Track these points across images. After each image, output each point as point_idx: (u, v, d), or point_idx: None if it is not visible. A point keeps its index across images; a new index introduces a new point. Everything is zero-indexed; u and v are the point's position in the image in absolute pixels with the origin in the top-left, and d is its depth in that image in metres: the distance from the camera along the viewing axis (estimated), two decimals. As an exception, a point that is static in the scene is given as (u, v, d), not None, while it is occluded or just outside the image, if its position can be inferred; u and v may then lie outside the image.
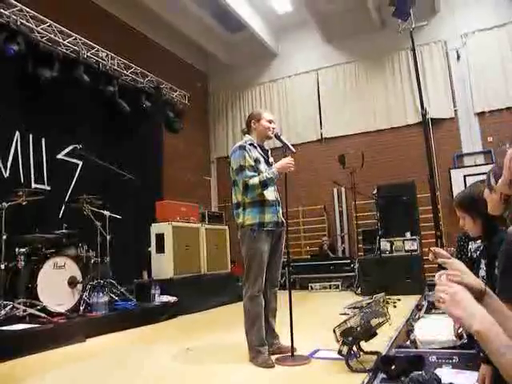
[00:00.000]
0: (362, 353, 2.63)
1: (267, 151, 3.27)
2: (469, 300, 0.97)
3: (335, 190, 9.17)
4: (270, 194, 3.10)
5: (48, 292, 4.26)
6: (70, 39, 6.03)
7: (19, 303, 4.02)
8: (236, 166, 3.04)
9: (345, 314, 4.31)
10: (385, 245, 6.75)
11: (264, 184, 2.98)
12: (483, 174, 1.67)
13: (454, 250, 3.30)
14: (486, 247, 2.05)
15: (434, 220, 5.96)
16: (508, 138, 7.37)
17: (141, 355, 3.42)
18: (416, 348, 2.69)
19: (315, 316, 4.98)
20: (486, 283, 1.20)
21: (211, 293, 6.13)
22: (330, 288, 7.53)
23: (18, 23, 5.25)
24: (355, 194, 7.67)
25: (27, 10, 5.43)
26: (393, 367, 2.18)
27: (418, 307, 4.47)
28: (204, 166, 10.43)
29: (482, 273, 2.03)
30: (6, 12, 5.17)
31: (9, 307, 3.94)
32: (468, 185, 2.30)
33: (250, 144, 3.11)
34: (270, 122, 3.19)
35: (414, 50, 6.30)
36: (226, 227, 7.36)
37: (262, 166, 3.08)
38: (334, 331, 2.63)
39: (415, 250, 6.56)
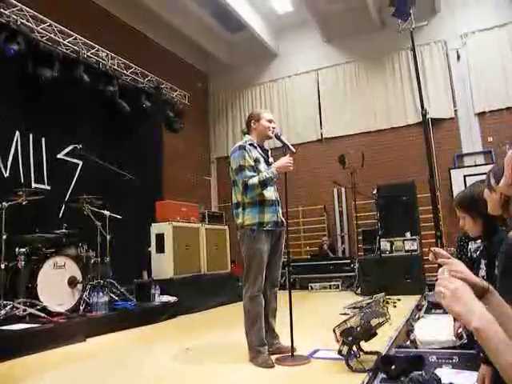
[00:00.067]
0: (361, 353, 2.63)
1: (267, 151, 3.26)
2: (469, 296, 0.96)
3: (335, 190, 9.17)
4: (270, 193, 3.09)
5: (48, 292, 4.26)
6: (70, 39, 6.04)
7: (19, 303, 4.02)
8: (236, 165, 3.03)
9: (345, 313, 4.31)
10: (385, 245, 6.75)
11: (263, 184, 2.97)
12: (483, 174, 1.66)
13: (454, 250, 3.31)
14: (486, 247, 2.05)
15: (434, 220, 5.95)
16: (508, 138, 7.37)
17: (141, 355, 3.42)
18: (416, 348, 2.69)
19: (315, 316, 4.98)
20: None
21: (211, 293, 6.13)
22: (330, 288, 7.53)
23: (18, 23, 5.25)
24: (355, 193, 7.67)
25: (27, 9, 5.43)
26: (393, 367, 2.18)
27: (418, 307, 4.48)
28: (204, 165, 10.43)
29: (482, 273, 2.02)
30: (6, 12, 5.18)
31: (9, 307, 3.94)
32: (468, 185, 2.30)
33: (250, 144, 3.11)
34: (270, 121, 3.19)
35: (414, 50, 6.29)
36: (226, 227, 7.36)
37: (262, 166, 3.07)
38: (334, 331, 2.63)
39: (415, 250, 6.55)
